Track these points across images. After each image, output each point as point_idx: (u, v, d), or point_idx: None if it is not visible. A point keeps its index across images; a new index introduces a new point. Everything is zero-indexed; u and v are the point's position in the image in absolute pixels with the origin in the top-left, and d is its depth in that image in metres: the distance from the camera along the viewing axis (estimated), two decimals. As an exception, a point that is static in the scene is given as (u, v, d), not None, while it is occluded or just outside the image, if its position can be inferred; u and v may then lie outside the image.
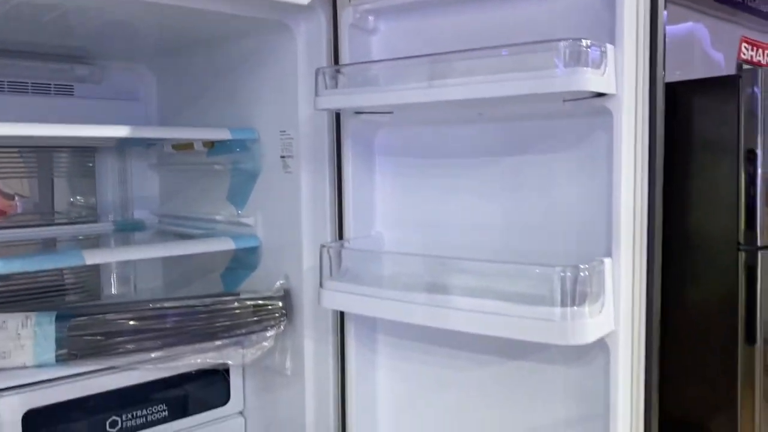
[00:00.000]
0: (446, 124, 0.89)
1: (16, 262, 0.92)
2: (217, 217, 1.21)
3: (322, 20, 0.96)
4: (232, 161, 1.16)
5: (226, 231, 1.17)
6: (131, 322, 1.00)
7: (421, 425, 0.97)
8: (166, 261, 1.39)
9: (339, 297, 0.86)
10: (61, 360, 0.97)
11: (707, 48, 1.54)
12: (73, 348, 0.98)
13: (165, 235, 1.34)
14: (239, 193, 1.16)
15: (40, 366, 0.96)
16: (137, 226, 1.37)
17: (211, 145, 1.20)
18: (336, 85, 0.84)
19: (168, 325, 1.01)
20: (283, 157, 1.07)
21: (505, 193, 0.85)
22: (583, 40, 0.67)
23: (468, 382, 0.92)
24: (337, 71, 0.83)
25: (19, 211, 1.36)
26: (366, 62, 0.84)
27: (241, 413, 1.19)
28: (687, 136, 1.03)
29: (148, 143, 1.38)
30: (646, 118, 0.73)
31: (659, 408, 0.93)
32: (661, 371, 1.04)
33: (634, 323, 0.74)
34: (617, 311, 0.73)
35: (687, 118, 1.03)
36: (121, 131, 0.96)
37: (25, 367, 0.96)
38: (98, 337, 0.98)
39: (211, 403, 1.15)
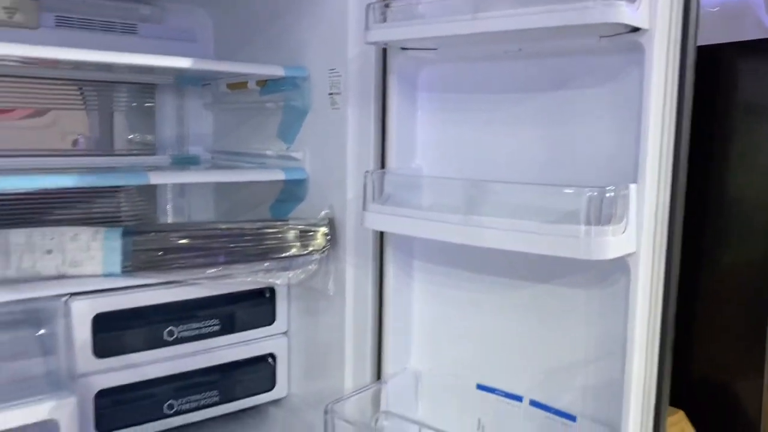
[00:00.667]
0: (487, 61, 0.94)
1: (88, 177, 1.02)
2: (267, 152, 1.29)
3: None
4: (284, 99, 1.23)
5: (275, 165, 1.25)
6: (188, 241, 1.09)
7: (451, 345, 1.05)
8: (218, 194, 1.48)
9: (380, 218, 0.93)
10: (126, 271, 1.06)
11: (761, 14, 1.54)
12: (136, 261, 1.07)
13: (212, 167, 1.43)
14: (289, 129, 1.24)
15: (107, 275, 1.06)
16: (192, 161, 1.46)
17: (264, 84, 1.28)
18: (385, 20, 0.90)
19: (221, 245, 1.10)
20: (331, 94, 1.14)
21: (541, 127, 0.90)
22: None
23: (495, 306, 0.99)
24: (386, 5, 0.89)
25: (80, 146, 1.47)
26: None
27: (285, 333, 1.28)
28: (729, 98, 1.07)
29: (203, 83, 1.46)
30: (677, 54, 0.77)
31: (686, 366, 0.99)
32: (690, 332, 1.10)
33: (656, 248, 0.80)
34: (639, 234, 0.78)
35: (730, 80, 1.07)
36: (184, 62, 1.04)
37: (94, 276, 1.06)
38: (159, 253, 1.08)
39: (257, 323, 1.25)
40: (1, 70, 1.24)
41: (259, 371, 1.26)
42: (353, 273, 1.13)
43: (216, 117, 1.49)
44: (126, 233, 1.07)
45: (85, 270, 1.05)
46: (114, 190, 1.46)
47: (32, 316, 1.04)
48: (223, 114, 1.47)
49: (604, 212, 0.75)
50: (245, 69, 1.19)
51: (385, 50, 1.02)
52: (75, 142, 1.45)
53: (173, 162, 1.44)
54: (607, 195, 0.75)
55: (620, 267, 0.81)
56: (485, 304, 1.00)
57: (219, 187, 1.47)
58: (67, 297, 1.04)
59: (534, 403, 0.96)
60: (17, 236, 1.03)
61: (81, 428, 1.03)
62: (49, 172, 1.02)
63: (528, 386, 0.96)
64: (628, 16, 0.72)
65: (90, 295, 1.05)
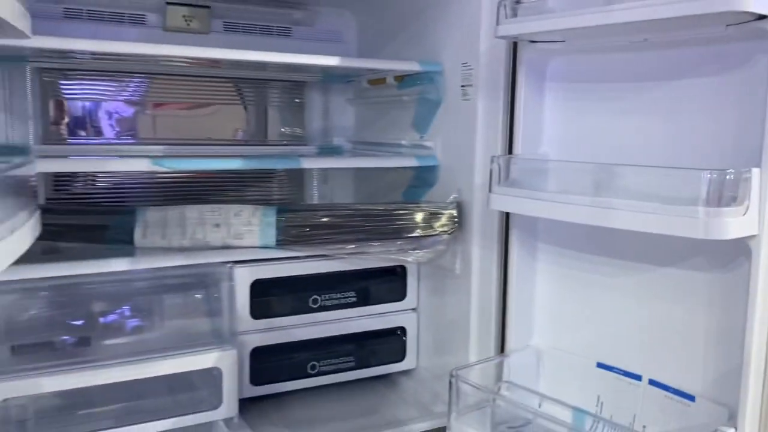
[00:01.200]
0: (612, 52, 0.98)
1: (251, 161, 1.18)
2: (402, 142, 1.40)
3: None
4: (419, 92, 1.33)
5: (410, 153, 1.36)
6: (330, 219, 1.22)
7: (572, 324, 1.10)
8: (357, 180, 1.62)
9: (506, 200, 1.00)
10: (279, 244, 1.21)
11: None
12: (287, 236, 1.21)
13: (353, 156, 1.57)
14: (423, 120, 1.34)
15: (263, 247, 1.21)
16: (336, 150, 1.60)
17: (401, 79, 1.39)
18: (515, 15, 0.97)
19: (358, 224, 1.22)
20: (463, 86, 1.22)
21: (665, 114, 0.93)
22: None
23: (617, 287, 1.02)
24: (517, 2, 0.96)
25: (239, 137, 1.65)
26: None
27: (414, 309, 1.39)
28: None
29: (347, 80, 1.60)
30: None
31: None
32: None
33: (781, 229, 0.81)
34: (762, 217, 0.80)
35: None
36: (333, 60, 1.18)
37: (253, 248, 1.21)
38: (306, 229, 1.22)
39: (389, 298, 1.36)
40: (175, 69, 1.44)
41: (390, 343, 1.37)
42: (479, 254, 1.20)
43: (357, 111, 1.62)
44: (280, 211, 1.22)
45: (245, 242, 1.21)
46: (268, 177, 1.63)
47: (200, 280, 1.22)
48: (364, 108, 1.60)
49: (724, 194, 0.78)
50: (385, 65, 1.30)
51: (515, 44, 1.08)
52: (235, 133, 1.63)
53: (319, 151, 1.59)
54: (728, 177, 0.77)
55: (743, 250, 0.83)
56: (607, 285, 1.04)
57: (358, 174, 1.61)
58: (231, 264, 1.20)
59: (653, 382, 0.99)
60: (191, 211, 1.21)
61: (239, 381, 1.20)
62: (219, 156, 1.19)
63: (647, 366, 1.00)
64: (754, 3, 0.74)
65: (249, 264, 1.21)
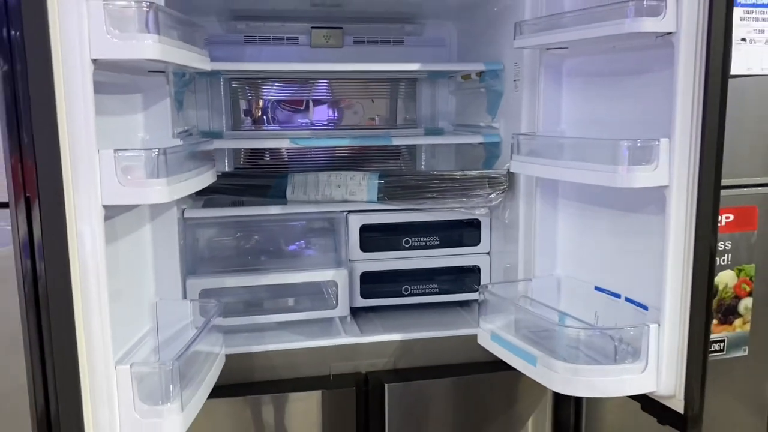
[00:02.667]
0: (599, 54, 1.34)
1: (356, 139, 1.69)
2: (481, 124, 1.82)
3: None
4: (490, 85, 1.75)
5: (483, 132, 1.78)
6: (416, 182, 1.69)
7: (581, 258, 1.47)
8: (457, 154, 2.06)
9: (519, 165, 1.41)
10: (380, 199, 1.71)
11: None
12: (386, 193, 1.71)
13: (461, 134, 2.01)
14: (492, 106, 1.75)
15: (369, 201, 1.72)
16: (438, 132, 2.06)
17: (480, 75, 1.81)
18: (521, 33, 1.36)
19: (436, 186, 1.67)
20: (514, 80, 1.62)
21: (633, 101, 1.28)
22: (647, 2, 1.08)
23: (606, 230, 1.38)
24: (523, 23, 1.36)
25: (377, 122, 2.17)
26: (539, 17, 1.34)
27: (487, 253, 1.81)
28: None
29: (448, 76, 2.04)
30: (704, 42, 1.09)
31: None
32: None
33: (689, 181, 1.13)
34: (671, 172, 1.13)
35: None
36: (414, 66, 1.65)
37: (362, 201, 1.72)
38: (399, 189, 1.70)
39: (468, 243, 1.80)
40: (323, 75, 1.99)
41: (467, 277, 1.81)
42: (523, 208, 1.60)
43: (457, 100, 2.07)
44: (380, 176, 1.72)
45: (357, 197, 1.72)
46: (397, 152, 2.14)
47: (329, 223, 1.76)
48: (461, 97, 2.03)
49: (639, 156, 1.13)
50: (458, 67, 1.74)
51: (544, 48, 1.47)
52: (373, 120, 2.15)
53: (426, 133, 2.06)
54: (638, 145, 1.12)
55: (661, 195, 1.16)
56: (602, 228, 1.40)
57: (457, 148, 2.05)
58: (346, 213, 1.73)
59: (627, 299, 1.34)
60: (322, 176, 1.75)
61: (352, 294, 1.72)
62: (335, 137, 1.71)
63: (624, 286, 1.35)
64: (652, 26, 1.09)
65: (359, 213, 1.73)
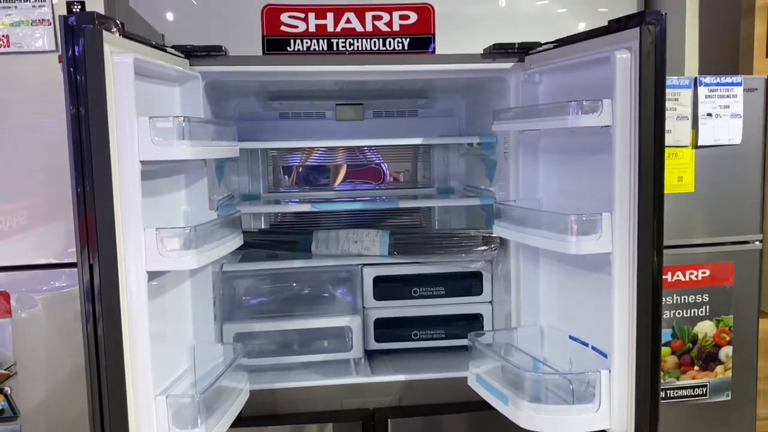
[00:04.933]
0: (563, 136, 1.57)
1: (367, 203, 1.96)
2: (481, 186, 2.06)
3: (519, 76, 1.71)
4: (487, 154, 1.99)
5: (483, 194, 2.01)
6: (422, 239, 1.93)
7: (557, 311, 1.67)
8: (467, 212, 2.29)
9: (500, 229, 1.64)
10: (391, 253, 1.96)
11: None
12: (396, 248, 1.95)
13: (462, 196, 2.24)
14: (489, 172, 1.98)
15: (381, 255, 1.97)
16: (449, 190, 2.31)
17: (480, 144, 2.05)
18: (496, 119, 1.61)
19: (439, 242, 1.91)
20: (504, 152, 1.85)
21: (587, 176, 1.49)
22: (585, 102, 1.31)
23: (577, 285, 1.58)
24: (497, 111, 1.60)
25: (402, 180, 2.44)
26: (509, 108, 1.58)
27: (489, 302, 2.02)
28: None
29: (458, 143, 2.30)
30: (636, 137, 1.31)
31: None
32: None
33: (629, 247, 1.34)
34: (613, 240, 1.34)
35: None
36: (417, 141, 1.90)
37: (375, 256, 1.97)
38: (407, 244, 1.95)
39: (471, 292, 2.02)
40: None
41: (471, 324, 2.02)
42: (514, 263, 1.82)
43: (465, 163, 2.31)
44: (391, 234, 1.97)
45: (371, 252, 1.98)
46: (416, 209, 2.39)
47: (346, 274, 2.02)
48: (468, 161, 2.28)
49: (583, 228, 1.35)
50: (457, 141, 1.99)
51: (523, 129, 1.71)
52: (398, 177, 2.42)
53: (438, 192, 2.31)
54: (584, 218, 1.34)
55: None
56: (572, 284, 1.60)
57: (467, 208, 2.29)
58: (362, 266, 1.98)
59: (593, 348, 1.53)
60: (342, 233, 2.02)
61: (366, 338, 1.97)
62: (351, 201, 1.98)
63: (590, 336, 1.54)
64: (590, 121, 1.31)
65: (373, 266, 1.98)
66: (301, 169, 2.34)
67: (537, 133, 1.66)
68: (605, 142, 1.42)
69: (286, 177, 2.34)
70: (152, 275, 1.31)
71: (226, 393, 1.51)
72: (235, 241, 1.58)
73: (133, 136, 1.23)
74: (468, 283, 2.02)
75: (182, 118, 1.26)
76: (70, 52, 1.18)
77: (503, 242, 1.85)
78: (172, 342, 1.56)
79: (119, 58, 1.22)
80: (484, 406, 1.75)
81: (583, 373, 1.41)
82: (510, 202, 1.69)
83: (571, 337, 1.62)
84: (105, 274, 1.24)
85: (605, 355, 1.48)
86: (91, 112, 1.20)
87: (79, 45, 1.17)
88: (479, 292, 2.02)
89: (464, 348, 2.05)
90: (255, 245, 2.09)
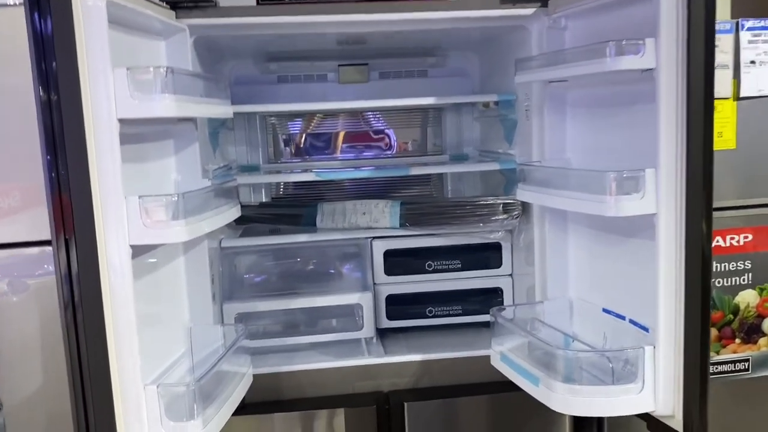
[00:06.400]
0: (596, 86, 1.40)
1: (377, 171, 1.80)
2: (499, 150, 1.89)
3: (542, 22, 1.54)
4: (505, 114, 1.82)
5: (501, 159, 1.85)
6: (435, 209, 1.78)
7: (589, 281, 1.52)
8: (481, 179, 2.13)
9: (525, 193, 1.48)
10: (402, 225, 1.80)
11: None
12: (407, 219, 1.80)
13: (476, 162, 2.08)
14: (508, 134, 1.82)
15: (392, 227, 1.81)
16: (463, 157, 2.14)
17: (497, 104, 1.88)
18: (518, 70, 1.44)
19: (453, 212, 1.75)
20: (526, 110, 1.69)
21: (622, 130, 1.33)
22: (625, 42, 1.14)
23: (612, 254, 1.43)
24: (520, 61, 1.43)
25: (409, 148, 2.27)
26: (535, 56, 1.41)
27: (509, 275, 1.87)
28: None
29: (471, 104, 2.13)
30: (684, 82, 1.14)
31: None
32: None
33: (677, 207, 1.18)
34: (658, 200, 1.18)
35: None
36: (428, 101, 1.74)
37: (385, 228, 1.82)
38: (419, 215, 1.79)
39: (489, 265, 1.86)
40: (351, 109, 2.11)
41: (490, 298, 1.87)
42: (537, 232, 1.66)
43: (480, 126, 2.14)
44: (402, 204, 1.82)
45: (380, 224, 1.83)
46: (427, 178, 2.23)
47: (355, 249, 1.87)
48: (483, 124, 2.11)
49: (625, 186, 1.19)
50: (474, 99, 1.82)
51: (549, 81, 1.54)
52: (406, 146, 2.26)
53: (451, 159, 2.14)
54: (624, 176, 1.18)
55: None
56: (606, 252, 1.45)
57: (482, 174, 2.12)
58: (371, 239, 1.83)
59: (631, 321, 1.38)
60: (349, 205, 1.87)
61: (378, 316, 1.82)
62: (360, 168, 1.82)
63: (628, 308, 1.39)
64: (631, 64, 1.15)
65: (383, 239, 1.83)
66: (302, 138, 2.18)
67: (564, 85, 1.50)
68: (645, 90, 1.25)
69: (287, 146, 2.18)
70: (138, 250, 1.15)
71: (226, 378, 1.37)
72: (232, 212, 1.42)
73: (109, 90, 1.07)
74: (486, 255, 1.86)
75: (165, 68, 1.10)
76: (33, -6, 1.02)
77: (525, 209, 1.70)
78: (165, 325, 1.42)
79: (91, 1, 1.05)
80: (508, 386, 1.60)
81: (623, 349, 1.26)
82: (534, 163, 1.53)
83: (604, 310, 1.46)
84: (83, 250, 1.08)
85: (646, 329, 1.33)
86: (60, 64, 1.04)
87: (42, -15, 1.01)
88: (498, 264, 1.86)
89: (482, 325, 1.91)
90: (256, 219, 1.94)
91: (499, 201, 1.71)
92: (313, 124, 2.17)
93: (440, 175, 2.21)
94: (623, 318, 1.41)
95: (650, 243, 1.29)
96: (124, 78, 1.08)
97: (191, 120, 1.43)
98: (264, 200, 2.14)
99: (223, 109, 1.41)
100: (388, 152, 2.22)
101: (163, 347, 1.40)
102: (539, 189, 1.42)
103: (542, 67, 1.36)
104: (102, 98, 1.07)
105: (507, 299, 1.87)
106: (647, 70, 1.17)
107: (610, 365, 1.25)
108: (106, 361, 1.10)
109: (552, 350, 1.30)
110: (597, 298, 1.50)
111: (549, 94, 1.52)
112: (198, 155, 1.46)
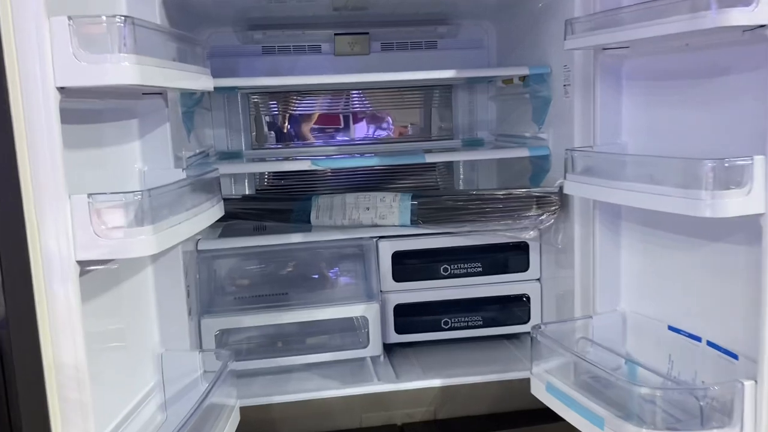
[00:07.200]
0: (667, 53, 1.13)
1: (385, 158, 1.51)
2: (526, 134, 1.62)
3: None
4: (535, 90, 1.54)
5: (529, 143, 1.58)
6: (454, 203, 1.50)
7: (650, 292, 1.25)
8: (499, 167, 1.86)
9: (576, 186, 1.20)
10: (413, 223, 1.52)
11: None
12: (420, 216, 1.52)
13: (494, 147, 1.81)
14: (539, 114, 1.54)
15: (401, 225, 1.53)
16: (478, 143, 1.86)
17: (523, 79, 1.60)
18: (573, 33, 1.16)
19: (477, 207, 1.48)
20: (564, 85, 1.41)
21: (707, 108, 1.06)
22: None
23: (683, 260, 1.17)
24: (575, 21, 1.15)
25: (410, 133, 1.98)
26: (593, 14, 1.13)
27: (537, 279, 1.60)
28: None
29: (488, 80, 1.85)
30: (808, 40, 0.88)
31: None
32: None
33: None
34: (768, 197, 0.92)
35: None
36: (448, 73, 1.45)
37: (393, 226, 1.54)
38: (434, 211, 1.51)
39: (513, 269, 1.59)
40: (348, 86, 1.81)
41: (515, 307, 1.61)
42: (579, 231, 1.39)
43: (497, 107, 1.86)
44: (414, 197, 1.53)
45: (387, 221, 1.54)
46: (432, 167, 1.94)
47: (358, 250, 1.58)
48: (501, 104, 1.83)
49: (724, 179, 0.92)
50: (500, 72, 1.54)
51: (598, 50, 1.26)
52: (406, 129, 1.97)
53: (463, 144, 1.86)
54: (726, 165, 0.91)
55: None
56: (676, 258, 1.18)
57: (499, 162, 1.85)
58: (377, 238, 1.54)
59: (709, 343, 1.12)
60: (350, 198, 1.58)
61: (384, 330, 1.54)
62: (362, 156, 1.53)
63: (705, 328, 1.13)
64: (741, 18, 0.87)
65: (391, 239, 1.54)
66: (291, 119, 1.88)
67: (621, 53, 1.22)
68: (744, 54, 0.99)
69: (273, 130, 1.88)
70: (87, 266, 0.86)
71: (210, 420, 1.08)
72: (214, 210, 1.13)
73: (44, 47, 0.77)
74: (511, 257, 1.59)
75: (123, 18, 0.80)
76: None
77: (564, 203, 1.43)
78: (129, 354, 1.12)
79: None
80: (547, 415, 1.34)
81: (714, 385, 0.99)
82: (586, 148, 1.25)
83: (671, 328, 1.20)
84: (8, 271, 0.79)
85: (734, 356, 1.07)
86: (-29, 9, 0.74)
87: None
88: (524, 267, 1.60)
89: (506, 337, 1.65)
90: (239, 215, 1.65)
91: (533, 194, 1.44)
92: (303, 104, 1.87)
93: (448, 163, 1.93)
94: (697, 339, 1.15)
95: (742, 248, 1.03)
96: (65, 30, 0.77)
97: (160, 94, 1.13)
98: (247, 192, 1.84)
99: (203, 81, 1.11)
100: (389, 136, 1.93)
101: (127, 382, 1.11)
102: (595, 180, 1.14)
103: (607, 27, 1.08)
104: (33, 58, 0.77)
105: (534, 308, 1.61)
106: (757, 27, 0.90)
107: (699, 404, 0.99)
108: (45, 419, 0.81)
109: (623, 385, 1.04)
110: (659, 313, 1.24)
111: (601, 65, 1.24)
112: (169, 139, 1.15)
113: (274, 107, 1.86)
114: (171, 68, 0.99)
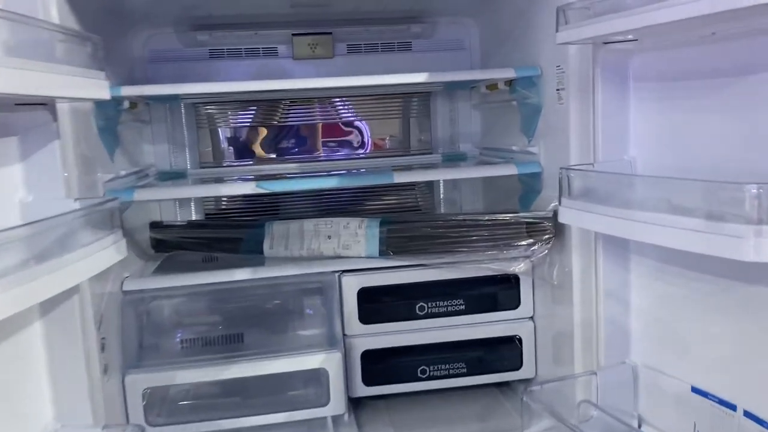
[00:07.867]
0: (685, 46, 0.89)
1: (345, 179, 1.27)
2: (513, 147, 1.38)
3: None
4: (523, 96, 1.31)
5: (517, 159, 1.34)
6: (430, 230, 1.26)
7: (667, 342, 1.01)
8: (484, 186, 1.63)
9: (573, 213, 0.96)
10: (382, 254, 1.29)
11: None
12: (390, 246, 1.28)
13: (479, 163, 1.57)
14: (528, 124, 1.31)
15: (368, 257, 1.29)
16: (460, 157, 1.63)
17: (510, 84, 1.37)
18: (567, 23, 0.92)
19: (458, 234, 1.24)
20: (558, 89, 1.18)
21: (734, 114, 0.82)
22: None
23: (712, 306, 0.93)
24: (569, 7, 0.92)
25: (387, 146, 1.75)
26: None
27: (531, 318, 1.36)
28: None
29: (470, 86, 1.61)
30: None
31: None
32: None
33: None
34: (835, 234, 0.68)
35: None
36: (420, 77, 1.22)
37: (359, 257, 1.30)
38: (407, 240, 1.27)
39: (502, 306, 1.35)
40: (310, 94, 1.58)
41: (505, 351, 1.36)
42: (579, 264, 1.15)
43: (482, 116, 1.63)
44: (383, 223, 1.30)
45: (352, 252, 1.30)
46: (411, 185, 1.70)
47: (319, 286, 1.34)
48: (486, 113, 1.60)
49: (774, 209, 0.68)
50: (481, 75, 1.30)
51: (595, 45, 1.03)
52: (383, 143, 1.73)
53: (444, 159, 1.63)
54: (777, 190, 0.67)
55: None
56: (703, 303, 0.94)
57: (484, 180, 1.61)
58: (340, 273, 1.30)
59: (748, 414, 0.88)
60: (308, 224, 1.34)
61: (351, 380, 1.30)
62: (318, 177, 1.29)
63: (742, 395, 0.89)
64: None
65: (356, 273, 1.30)
66: (245, 134, 1.64)
67: (626, 48, 0.99)
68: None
69: (225, 146, 1.64)
70: None
71: None
72: (108, 252, 0.88)
73: None
74: (499, 293, 1.35)
75: None
76: None
77: (560, 231, 1.19)
78: (6, 437, 0.88)
79: None
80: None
81: (761, 479, 0.75)
82: (585, 166, 1.01)
83: (695, 390, 0.96)
84: None
85: (783, 435, 0.83)
86: None
87: None
88: (515, 304, 1.35)
89: (496, 386, 1.41)
90: (182, 245, 1.41)
91: (522, 219, 1.20)
92: (260, 116, 1.63)
93: (431, 184, 1.69)
94: (731, 408, 0.91)
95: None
96: None
97: (44, 105, 0.89)
98: (194, 218, 1.60)
99: (94, 88, 0.87)
100: (360, 151, 1.69)
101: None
102: (597, 207, 0.90)
103: (609, 13, 0.84)
104: None
105: (528, 350, 1.36)
106: (818, 4, 0.66)
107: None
108: None
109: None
110: (679, 370, 1.00)
111: (603, 62, 1.01)
112: (58, 161, 0.91)
113: (225, 120, 1.62)
114: (50, 72, 0.76)
